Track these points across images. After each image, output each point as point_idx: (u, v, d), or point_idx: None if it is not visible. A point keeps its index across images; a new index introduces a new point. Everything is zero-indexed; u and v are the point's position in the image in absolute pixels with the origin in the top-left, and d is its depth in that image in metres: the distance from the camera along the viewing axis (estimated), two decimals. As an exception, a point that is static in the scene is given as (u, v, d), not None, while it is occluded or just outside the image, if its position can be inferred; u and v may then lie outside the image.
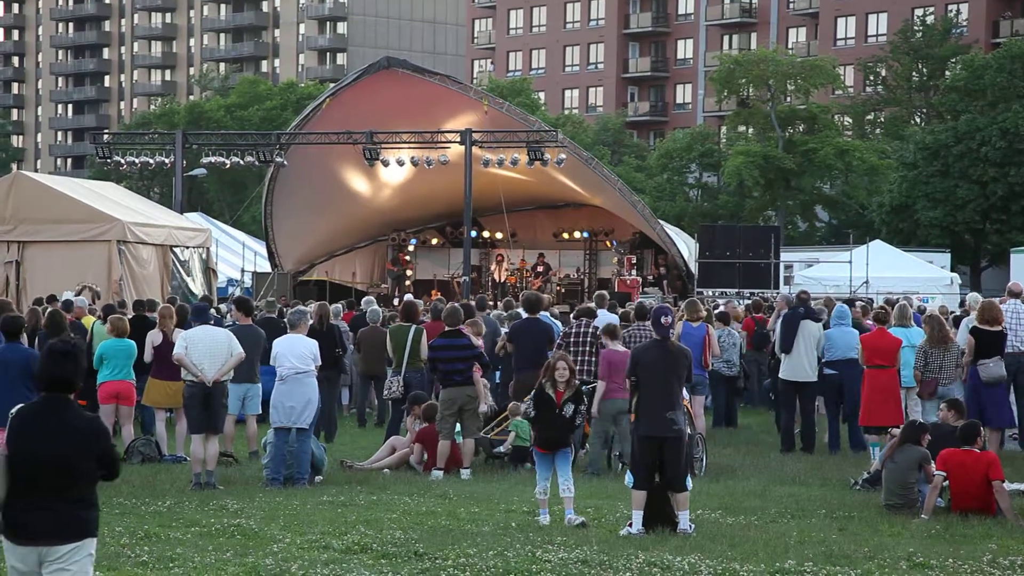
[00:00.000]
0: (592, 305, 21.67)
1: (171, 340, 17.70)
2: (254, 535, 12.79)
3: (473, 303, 24.20)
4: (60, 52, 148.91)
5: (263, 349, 18.09)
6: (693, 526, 13.12)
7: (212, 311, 21.48)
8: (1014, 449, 19.24)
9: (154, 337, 18.65)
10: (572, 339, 19.30)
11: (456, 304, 19.87)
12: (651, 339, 13.87)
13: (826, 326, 20.30)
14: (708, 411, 21.99)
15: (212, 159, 40.47)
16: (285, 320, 19.63)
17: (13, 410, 7.67)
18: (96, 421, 7.72)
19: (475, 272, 43.80)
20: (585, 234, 46.53)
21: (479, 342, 19.00)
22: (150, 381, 18.47)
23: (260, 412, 18.57)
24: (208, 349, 16.22)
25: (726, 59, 75.96)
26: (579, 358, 19.24)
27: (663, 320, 13.36)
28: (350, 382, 25.17)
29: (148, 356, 18.50)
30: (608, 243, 46.21)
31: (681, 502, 13.10)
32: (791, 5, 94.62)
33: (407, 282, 45.73)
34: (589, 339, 19.21)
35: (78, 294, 24.89)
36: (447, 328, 17.82)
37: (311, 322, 21.34)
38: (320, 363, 17.02)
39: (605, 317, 21.53)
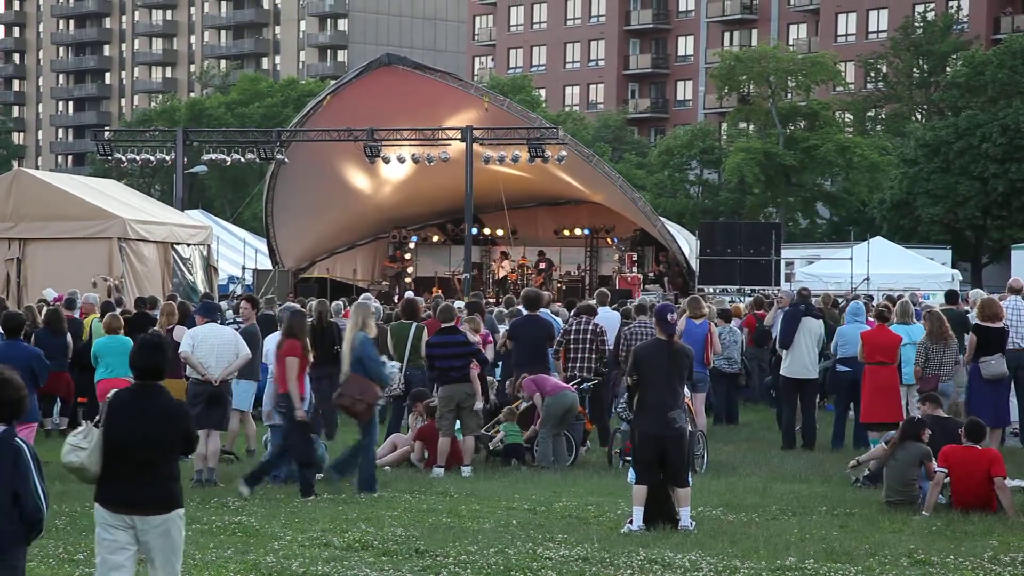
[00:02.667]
0: (592, 303, 21.67)
1: (173, 338, 17.70)
2: (255, 532, 12.79)
3: (477, 300, 24.18)
4: (61, 49, 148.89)
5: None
6: (694, 523, 13.12)
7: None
8: (1015, 445, 19.25)
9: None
10: (572, 336, 19.30)
11: (449, 302, 19.93)
12: (653, 337, 13.85)
13: (837, 322, 20.29)
14: (709, 408, 21.97)
15: (213, 156, 40.49)
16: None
17: (109, 394, 8.76)
18: (180, 405, 8.82)
19: (476, 269, 43.79)
20: (586, 231, 46.54)
21: (477, 339, 19.00)
22: None
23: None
24: (215, 348, 16.20)
25: (727, 55, 75.95)
26: (580, 355, 19.25)
27: (669, 317, 13.36)
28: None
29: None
30: (609, 240, 46.21)
31: (682, 498, 13.10)
32: (792, 1, 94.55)
33: (408, 279, 45.72)
34: (590, 336, 19.22)
35: (94, 286, 24.97)
36: (443, 325, 17.83)
37: (310, 320, 21.40)
38: (323, 361, 17.03)
39: (605, 314, 21.54)
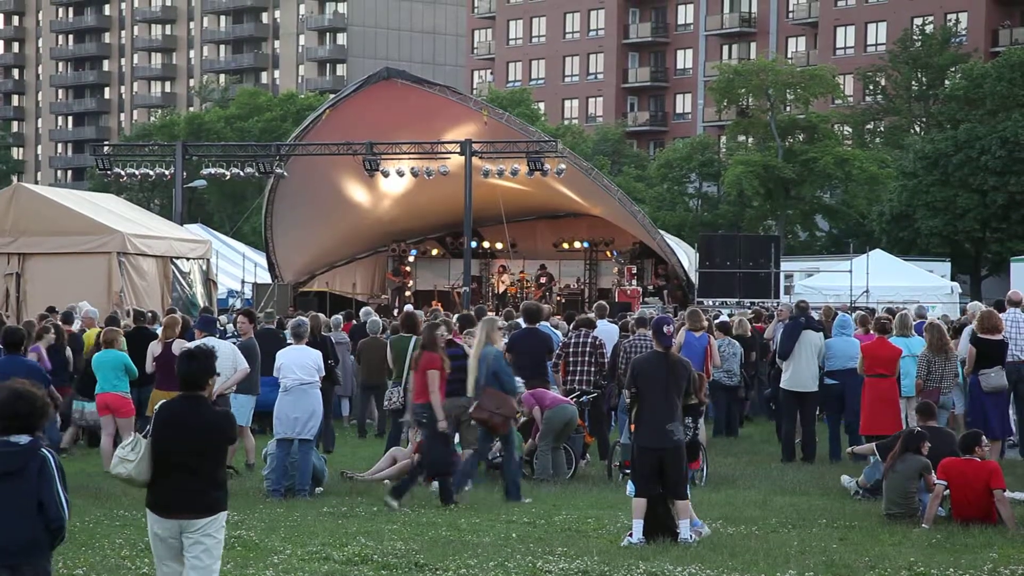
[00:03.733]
0: (592, 316, 21.67)
1: (172, 351, 17.70)
2: (255, 546, 12.78)
3: (472, 313, 24.18)
4: (60, 64, 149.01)
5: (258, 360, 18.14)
6: (694, 535, 13.11)
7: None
8: (1015, 458, 19.25)
9: (154, 348, 18.64)
10: (571, 349, 19.30)
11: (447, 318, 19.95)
12: (651, 350, 13.86)
13: (828, 335, 20.31)
14: (709, 421, 21.97)
15: (212, 170, 40.49)
16: (285, 331, 19.66)
17: (157, 405, 9.11)
18: (225, 414, 9.23)
19: (475, 282, 43.80)
20: (585, 244, 46.56)
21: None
22: (153, 392, 18.46)
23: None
24: (214, 361, 16.18)
25: (725, 69, 76.02)
26: (579, 368, 19.26)
27: (665, 330, 13.36)
28: (350, 393, 25.16)
29: (149, 367, 18.51)
30: (608, 253, 46.23)
31: (682, 511, 13.09)
32: (790, 15, 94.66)
33: (407, 293, 45.73)
34: (588, 349, 19.22)
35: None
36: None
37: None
38: (324, 374, 17.05)
39: (604, 327, 21.55)
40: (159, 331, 22.17)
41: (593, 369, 19.23)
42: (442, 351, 15.96)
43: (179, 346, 17.76)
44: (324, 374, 16.99)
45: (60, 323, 21.46)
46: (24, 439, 8.16)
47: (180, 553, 8.94)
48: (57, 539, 8.25)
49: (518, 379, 17.07)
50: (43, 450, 8.18)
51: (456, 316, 24.01)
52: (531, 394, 17.95)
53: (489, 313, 24.83)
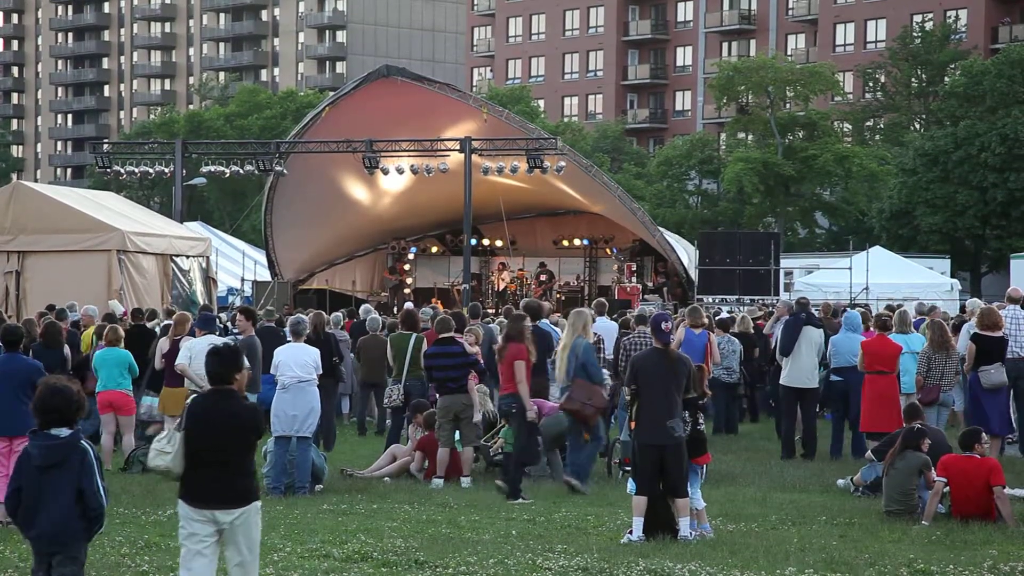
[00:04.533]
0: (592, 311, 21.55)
1: (180, 348, 17.76)
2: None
3: (466, 311, 24.16)
4: (59, 62, 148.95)
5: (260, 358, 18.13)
6: (694, 533, 13.11)
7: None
8: (1014, 455, 19.24)
9: (162, 345, 18.65)
10: None
11: (447, 314, 19.93)
12: (651, 347, 13.84)
13: (836, 331, 20.30)
14: (709, 418, 21.95)
15: (212, 168, 40.46)
16: (285, 329, 19.62)
17: (188, 400, 9.37)
18: (253, 407, 9.39)
19: (475, 280, 43.80)
20: (585, 241, 46.55)
21: (475, 349, 19.00)
22: (164, 390, 18.42)
23: None
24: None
25: (725, 66, 75.99)
26: None
27: (663, 326, 13.36)
28: (350, 391, 25.15)
29: (158, 364, 18.51)
30: (608, 250, 46.22)
31: (682, 508, 13.09)
32: (790, 12, 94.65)
33: (407, 290, 45.73)
34: None
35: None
36: (440, 336, 17.83)
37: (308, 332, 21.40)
38: (322, 371, 17.05)
39: (603, 324, 21.53)
40: (158, 329, 22.24)
41: None
42: (529, 342, 16.33)
43: (183, 344, 17.79)
44: (322, 371, 16.97)
45: (57, 320, 21.46)
46: (64, 432, 8.77)
47: (213, 546, 9.08)
48: (96, 526, 8.83)
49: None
50: (83, 442, 8.80)
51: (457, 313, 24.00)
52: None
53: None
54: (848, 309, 22.00)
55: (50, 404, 8.82)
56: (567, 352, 16.40)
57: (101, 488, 8.78)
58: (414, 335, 19.85)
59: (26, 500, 8.81)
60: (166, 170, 40.02)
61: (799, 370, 19.69)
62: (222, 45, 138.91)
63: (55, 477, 8.72)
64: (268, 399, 17.00)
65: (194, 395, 9.50)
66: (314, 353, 16.71)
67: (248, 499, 9.13)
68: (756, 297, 36.84)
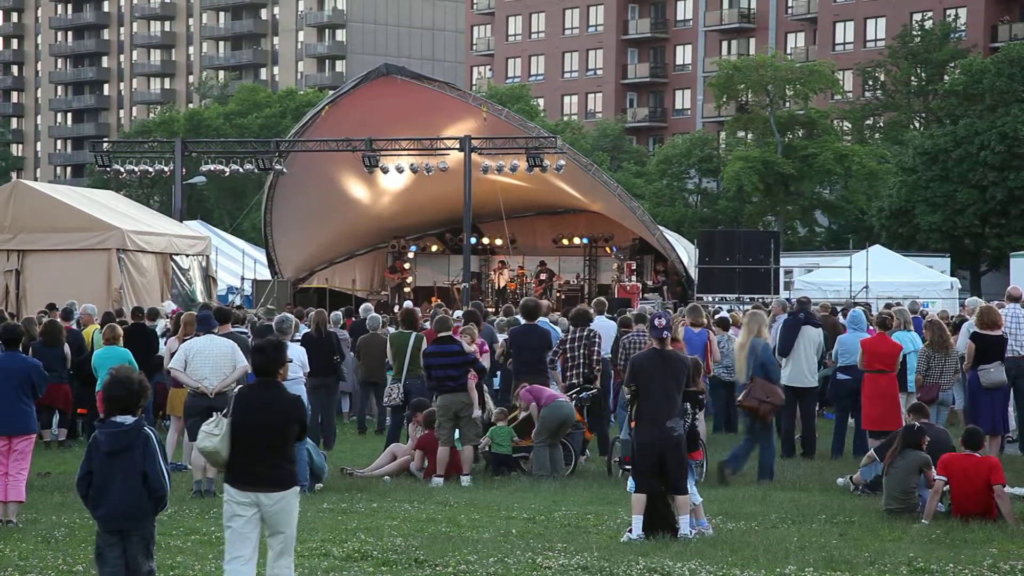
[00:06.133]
0: (591, 310, 21.55)
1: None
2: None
3: (471, 310, 24.17)
4: (59, 61, 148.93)
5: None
6: (694, 531, 13.11)
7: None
8: (1014, 453, 19.24)
9: (171, 345, 18.63)
10: (568, 345, 19.27)
11: (446, 313, 19.93)
12: (650, 347, 13.84)
13: (835, 330, 20.28)
14: (708, 416, 21.96)
15: (211, 167, 40.43)
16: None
17: (235, 390, 10.27)
18: (296, 398, 10.00)
19: (475, 279, 43.78)
20: (585, 240, 46.54)
21: (472, 348, 18.98)
22: (172, 391, 18.42)
23: None
24: (211, 359, 16.15)
25: (725, 64, 75.98)
26: (573, 362, 19.17)
27: (656, 323, 13.37)
28: (350, 389, 25.16)
29: (167, 364, 18.52)
30: (608, 249, 46.21)
31: (681, 506, 13.10)
32: (790, 10, 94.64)
33: (406, 289, 45.73)
34: (584, 343, 19.17)
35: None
36: (438, 335, 17.84)
37: (307, 330, 21.41)
38: (308, 370, 17.08)
39: (601, 323, 21.52)
40: (157, 328, 22.24)
41: (583, 362, 19.11)
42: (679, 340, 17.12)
43: (179, 346, 17.76)
44: (308, 370, 17.02)
45: (59, 319, 21.47)
46: (129, 420, 9.51)
47: (256, 528, 9.67)
48: (160, 506, 9.58)
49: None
50: (146, 429, 9.52)
51: (462, 313, 24.02)
52: (528, 390, 17.94)
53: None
54: (853, 309, 21.97)
55: (112, 394, 9.53)
56: (745, 352, 17.05)
57: (164, 471, 9.49)
58: (414, 334, 19.85)
59: (96, 483, 9.50)
60: (166, 169, 40.00)
61: (798, 369, 19.68)
62: (222, 44, 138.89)
63: (121, 461, 9.43)
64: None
65: (240, 386, 10.27)
66: (299, 352, 16.89)
67: (289, 484, 9.73)
68: (755, 296, 36.80)
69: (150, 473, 9.44)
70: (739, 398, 17.05)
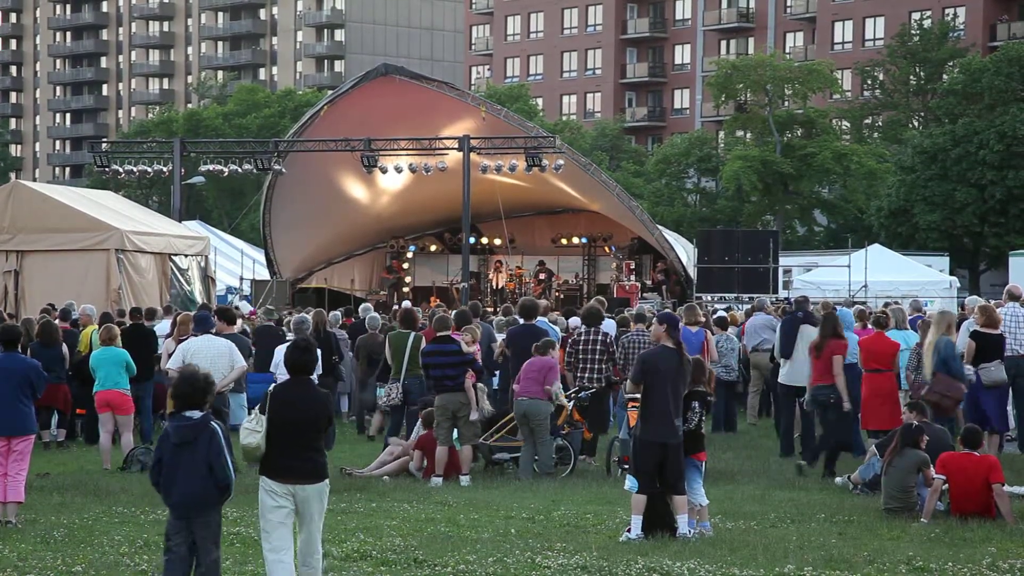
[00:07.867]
0: (601, 309, 21.45)
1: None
2: (253, 543, 12.76)
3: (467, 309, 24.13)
4: (58, 61, 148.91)
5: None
6: (693, 531, 13.11)
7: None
8: (1013, 452, 19.24)
9: (168, 346, 18.62)
10: (581, 346, 19.17)
11: (445, 312, 19.91)
12: (661, 345, 13.59)
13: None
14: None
15: (210, 167, 40.41)
16: (283, 327, 19.62)
17: (270, 388, 10.49)
18: (326, 395, 10.62)
19: (474, 278, 43.78)
20: (583, 240, 46.51)
21: (471, 348, 18.97)
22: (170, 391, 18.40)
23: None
24: (209, 359, 16.15)
25: (724, 64, 75.98)
26: (589, 365, 19.12)
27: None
28: (348, 389, 25.14)
29: (164, 364, 18.51)
30: (607, 248, 46.19)
31: (680, 505, 13.08)
32: (788, 10, 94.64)
33: (405, 289, 45.72)
34: (599, 347, 19.11)
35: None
36: (437, 334, 17.83)
37: (309, 330, 21.40)
38: (321, 371, 17.01)
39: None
40: (156, 328, 22.23)
41: (604, 367, 19.12)
42: (844, 338, 17.98)
43: (177, 347, 17.76)
44: (321, 371, 16.95)
45: (61, 319, 21.47)
46: (196, 414, 10.07)
47: (291, 518, 10.22)
48: (224, 496, 10.14)
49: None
50: (212, 423, 10.07)
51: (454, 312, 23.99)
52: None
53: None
54: (840, 308, 21.90)
55: (179, 391, 10.15)
56: (932, 349, 17.48)
57: (229, 463, 10.02)
58: (412, 334, 19.83)
59: (166, 471, 10.08)
60: (164, 169, 39.97)
61: (797, 368, 19.66)
62: (220, 44, 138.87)
63: (188, 453, 10.01)
64: (256, 398, 17.01)
65: (274, 384, 10.69)
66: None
67: (322, 475, 10.33)
68: (754, 296, 36.79)
69: (215, 465, 9.97)
70: (923, 392, 17.44)
